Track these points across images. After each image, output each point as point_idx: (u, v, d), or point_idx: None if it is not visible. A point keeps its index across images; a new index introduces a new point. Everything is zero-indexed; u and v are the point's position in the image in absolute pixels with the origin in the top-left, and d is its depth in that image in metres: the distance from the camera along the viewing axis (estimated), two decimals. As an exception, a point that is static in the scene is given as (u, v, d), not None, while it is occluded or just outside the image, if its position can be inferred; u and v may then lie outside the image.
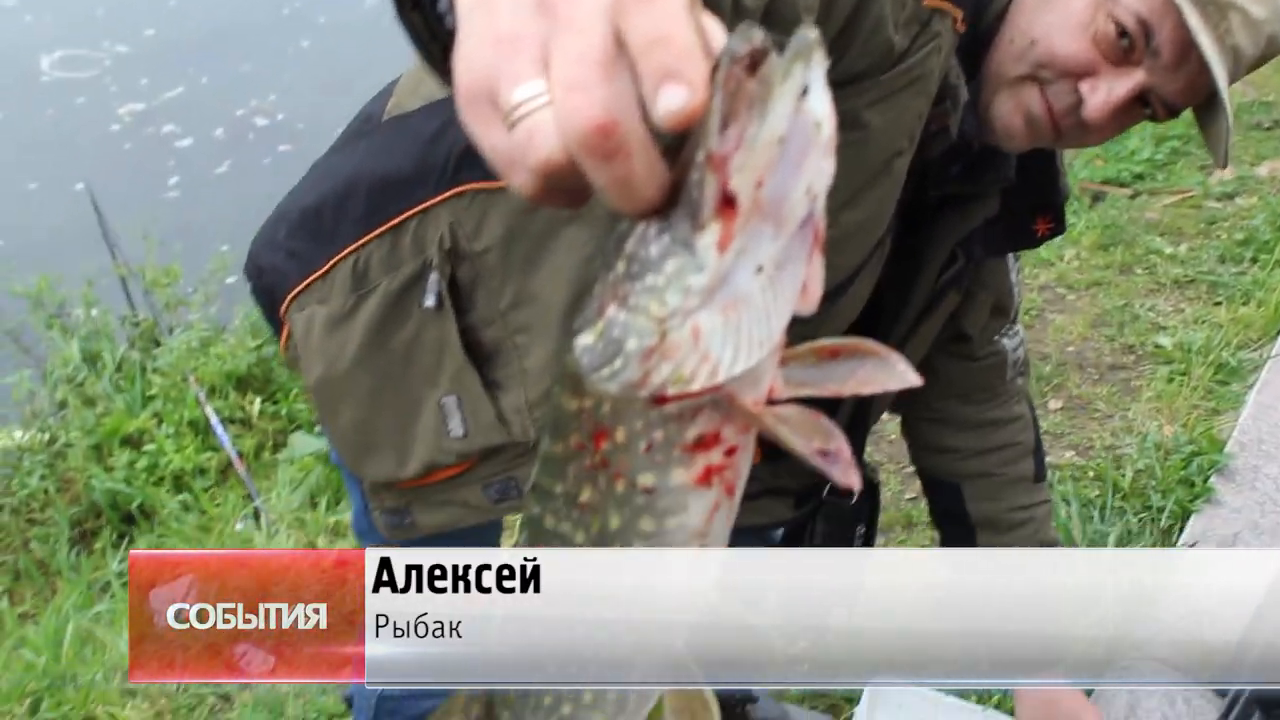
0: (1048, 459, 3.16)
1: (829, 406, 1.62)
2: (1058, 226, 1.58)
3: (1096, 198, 4.81)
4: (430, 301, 1.37)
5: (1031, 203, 1.56)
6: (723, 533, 0.70)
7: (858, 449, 1.76)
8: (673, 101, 0.52)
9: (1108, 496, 2.96)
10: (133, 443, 4.57)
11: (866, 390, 0.67)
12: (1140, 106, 1.32)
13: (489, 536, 1.79)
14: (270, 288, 1.51)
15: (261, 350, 4.96)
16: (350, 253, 1.42)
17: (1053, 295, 4.13)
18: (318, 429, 4.38)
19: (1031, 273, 4.29)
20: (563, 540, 0.72)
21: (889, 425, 3.49)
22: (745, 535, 1.86)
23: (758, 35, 0.56)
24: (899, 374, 0.67)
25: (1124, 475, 3.05)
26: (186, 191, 6.56)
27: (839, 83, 1.14)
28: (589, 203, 1.31)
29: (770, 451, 1.58)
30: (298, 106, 7.15)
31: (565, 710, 0.83)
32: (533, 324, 1.37)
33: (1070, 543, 2.76)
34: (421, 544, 1.62)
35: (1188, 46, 1.23)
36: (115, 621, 3.58)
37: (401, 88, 1.46)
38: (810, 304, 0.62)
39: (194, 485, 4.39)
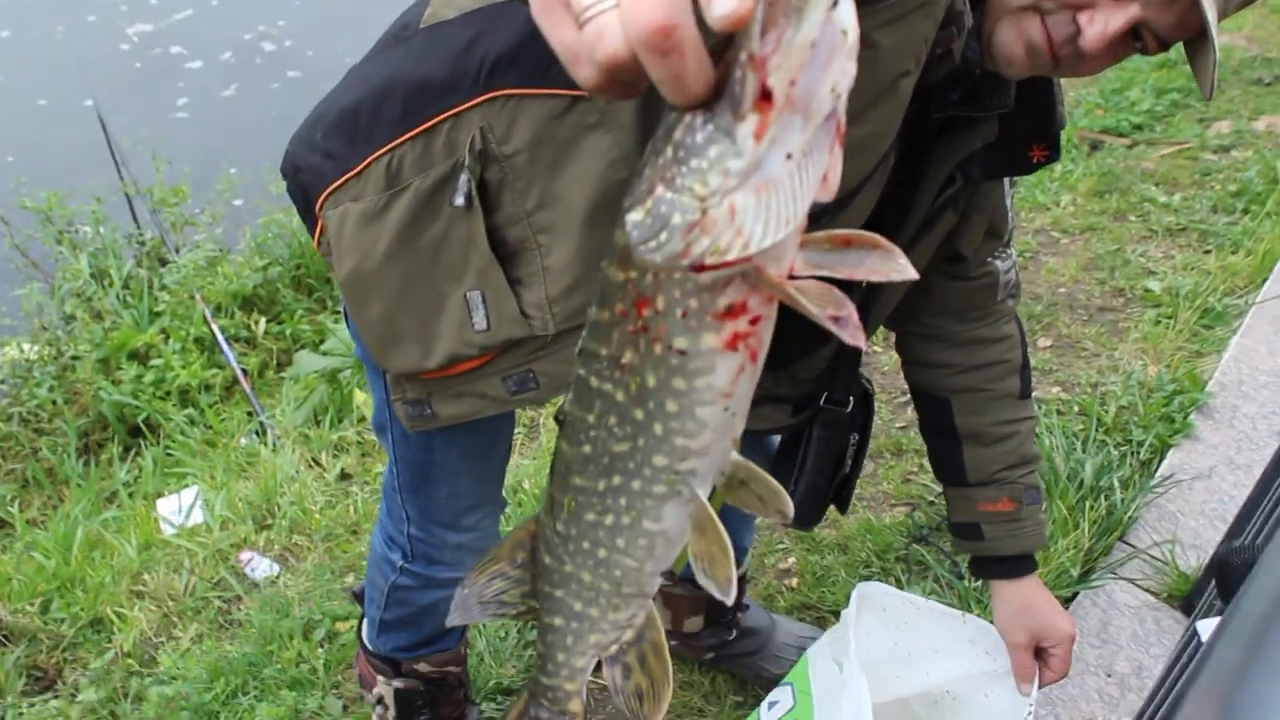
0: (1036, 394, 3.25)
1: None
2: (1052, 154, 1.63)
3: (1095, 146, 4.85)
4: (460, 200, 1.43)
5: (1028, 131, 1.61)
6: (746, 395, 0.78)
7: (853, 361, 1.83)
8: (726, 7, 0.59)
9: (1091, 430, 3.04)
10: (140, 357, 4.64)
11: (873, 278, 0.75)
12: (1133, 40, 1.38)
13: (504, 429, 1.87)
14: (306, 186, 1.57)
15: (267, 271, 5.03)
16: (384, 153, 1.47)
17: (1047, 238, 4.19)
18: (322, 348, 4.46)
19: (1028, 216, 4.34)
20: (605, 399, 0.80)
21: (881, 358, 3.58)
22: (745, 439, 1.95)
23: None
24: (900, 265, 0.75)
25: (1107, 411, 3.12)
26: (195, 113, 6.56)
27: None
28: (613, 110, 1.37)
29: (771, 361, 1.67)
30: (306, 33, 7.13)
31: (600, 554, 0.92)
32: (555, 224, 1.43)
33: (1052, 472, 2.85)
34: (440, 434, 1.70)
35: None
36: (123, 528, 3.67)
37: None
38: (830, 192, 0.69)
39: (200, 400, 4.47)
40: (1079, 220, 4.25)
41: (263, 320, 4.89)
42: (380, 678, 2.22)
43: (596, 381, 0.80)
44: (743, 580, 2.49)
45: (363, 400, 4.06)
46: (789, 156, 0.66)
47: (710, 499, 0.87)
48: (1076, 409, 3.19)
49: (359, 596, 2.29)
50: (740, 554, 2.40)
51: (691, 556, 0.88)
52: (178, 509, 3.68)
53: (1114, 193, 4.40)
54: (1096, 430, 3.03)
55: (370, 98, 1.51)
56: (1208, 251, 3.98)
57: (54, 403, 4.48)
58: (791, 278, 0.73)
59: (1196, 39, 1.35)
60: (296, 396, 4.33)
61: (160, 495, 3.85)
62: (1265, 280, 3.69)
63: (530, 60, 1.38)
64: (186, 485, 3.87)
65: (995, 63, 1.44)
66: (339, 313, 5.00)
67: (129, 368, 4.54)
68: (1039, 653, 1.95)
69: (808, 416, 1.86)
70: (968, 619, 2.07)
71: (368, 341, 1.59)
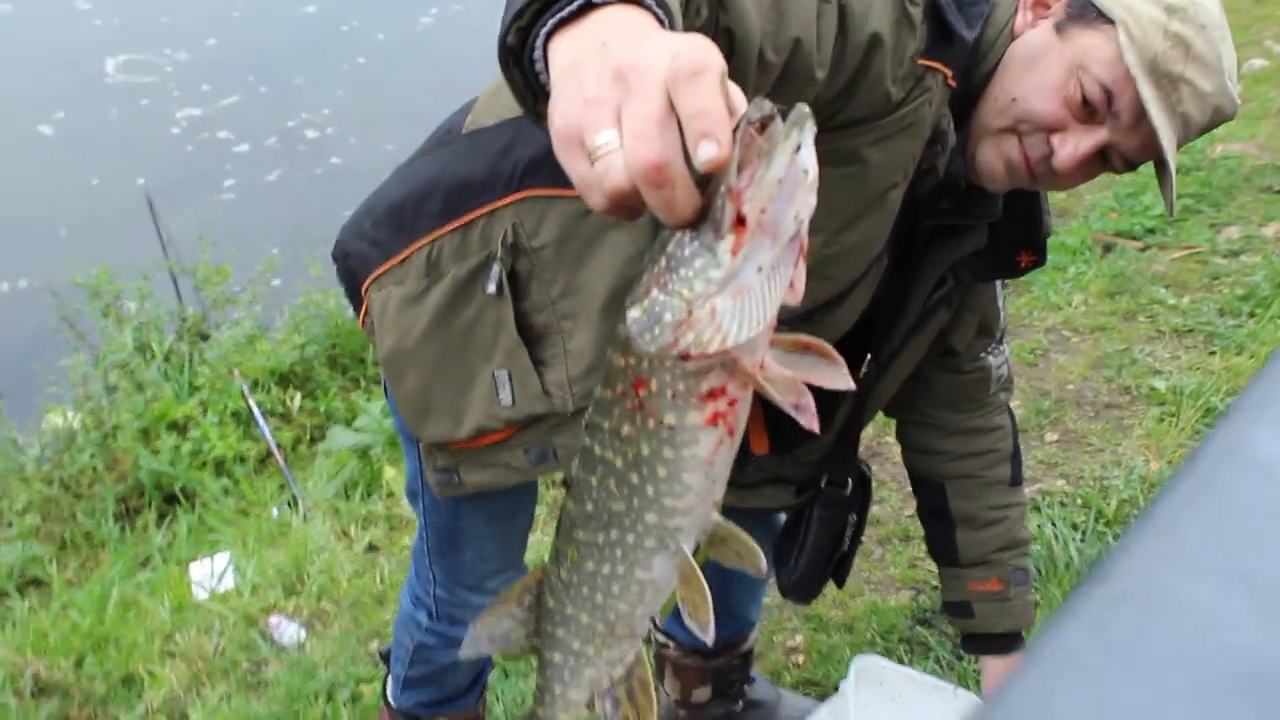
0: (1041, 485, 3.37)
1: (830, 406, 1.85)
2: (1039, 260, 1.79)
3: (1108, 248, 4.98)
4: (491, 288, 1.60)
5: (1016, 238, 1.76)
6: (725, 464, 0.92)
7: (853, 444, 1.97)
8: (708, 154, 0.74)
9: (1091, 522, 3.15)
10: (179, 428, 4.82)
11: (820, 384, 0.90)
12: (1101, 161, 1.54)
13: (526, 497, 2.02)
14: (353, 270, 1.75)
15: (304, 349, 5.21)
16: (426, 243, 1.65)
17: (1058, 337, 4.32)
18: (355, 424, 4.63)
19: (1040, 315, 4.48)
20: (606, 465, 0.94)
21: (895, 448, 3.70)
22: (752, 517, 2.09)
23: (767, 105, 0.78)
24: (842, 377, 0.90)
25: (1109, 504, 3.23)
26: (241, 195, 6.82)
27: (845, 125, 1.38)
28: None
29: (776, 445, 1.82)
30: (350, 120, 7.42)
31: (598, 599, 1.05)
32: (577, 311, 1.59)
33: (1050, 560, 2.96)
34: (467, 501, 1.85)
35: (1143, 112, 1.45)
36: (156, 590, 3.81)
37: (478, 107, 1.70)
38: (797, 298, 0.85)
39: (234, 471, 4.64)
40: (1089, 320, 4.38)
41: (298, 396, 5.07)
42: None
43: (599, 450, 0.94)
44: (749, 654, 2.60)
45: (392, 476, 4.21)
46: (760, 269, 0.80)
47: (695, 554, 1.00)
48: (1080, 501, 3.30)
49: (385, 657, 2.42)
50: (746, 627, 2.52)
51: (680, 602, 1.01)
52: (210, 573, 3.82)
53: (1125, 294, 4.52)
54: (1097, 522, 3.15)
55: (415, 193, 1.69)
56: (1213, 353, 4.08)
57: (94, 469, 4.64)
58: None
59: (1160, 161, 1.51)
60: (328, 470, 4.50)
61: (193, 560, 4.00)
62: (1267, 382, 3.80)
63: (559, 165, 1.56)
64: (219, 551, 4.01)
65: (978, 177, 1.60)
66: (371, 391, 5.18)
67: (168, 438, 4.72)
68: (1025, 727, 2.06)
69: (809, 497, 1.99)
70: (959, 693, 2.18)
71: (404, 412, 1.75)
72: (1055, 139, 1.51)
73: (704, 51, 0.76)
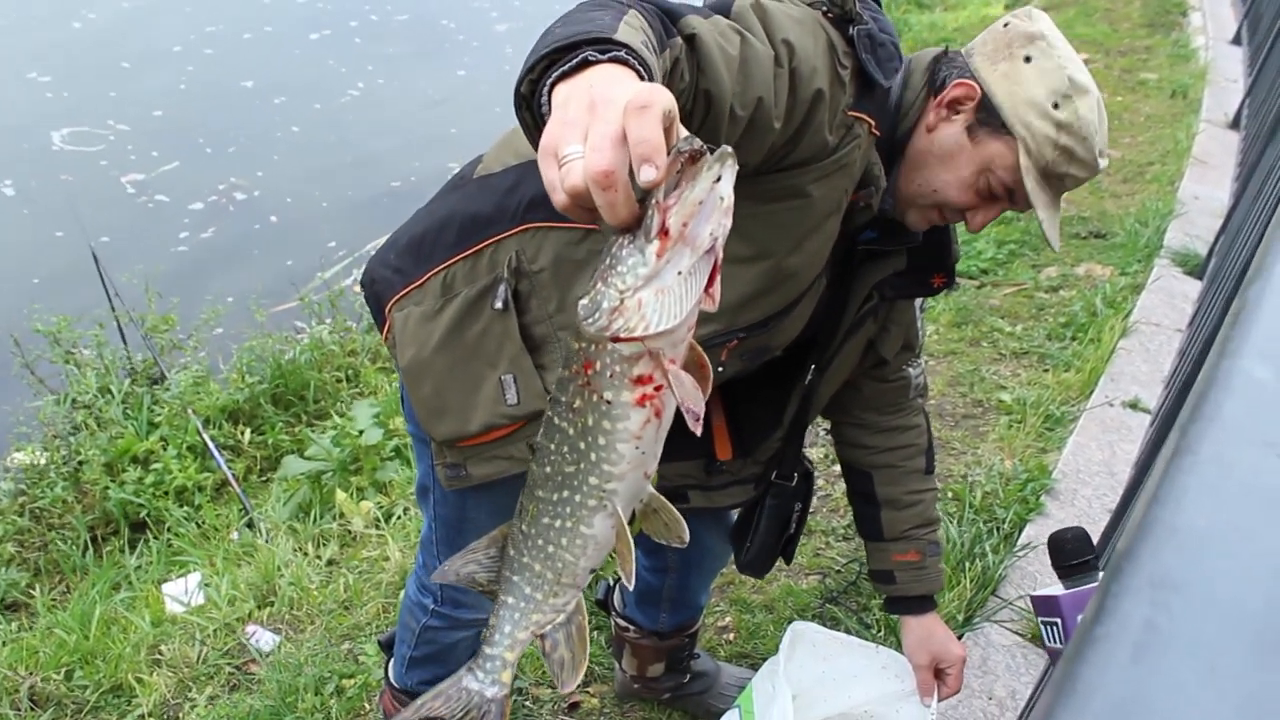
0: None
1: (779, 408, 1.97)
2: (949, 281, 1.94)
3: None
4: (499, 305, 1.68)
5: (930, 262, 1.91)
6: (653, 440, 0.99)
7: (799, 442, 2.08)
8: (647, 175, 0.84)
9: (964, 511, 3.35)
10: (141, 462, 4.73)
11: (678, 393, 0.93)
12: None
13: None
14: (379, 294, 1.83)
15: (252, 388, 5.17)
16: (442, 269, 1.74)
17: (918, 360, 4.56)
18: (307, 454, 4.61)
19: (900, 343, 4.71)
20: (561, 433, 1.01)
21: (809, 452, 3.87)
22: (717, 512, 2.22)
23: (697, 142, 0.86)
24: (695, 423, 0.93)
25: (975, 496, 3.44)
26: (191, 250, 6.70)
27: (793, 165, 1.53)
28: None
29: (740, 449, 1.93)
30: (282, 182, 7.35)
31: (550, 550, 1.12)
32: (570, 323, 1.65)
33: (936, 542, 3.15)
34: (472, 493, 1.91)
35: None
36: (134, 608, 3.75)
37: (487, 158, 1.80)
38: (713, 304, 0.91)
39: (194, 499, 4.57)
40: (942, 346, 4.62)
41: (247, 431, 5.02)
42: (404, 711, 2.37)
43: (558, 420, 1.01)
44: (696, 634, 2.69)
45: (343, 499, 4.21)
46: (679, 273, 0.88)
47: (631, 523, 1.07)
48: (950, 494, 3.50)
49: (386, 645, 2.45)
50: (697, 613, 2.62)
51: (614, 554, 1.09)
52: (183, 591, 3.77)
53: (969, 324, 4.77)
54: (968, 511, 3.35)
55: (433, 228, 1.78)
56: (1046, 370, 4.34)
57: (65, 500, 4.53)
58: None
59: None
60: (282, 495, 4.47)
61: (165, 580, 3.93)
62: (1092, 392, 4.06)
63: None
64: (189, 571, 3.96)
65: (904, 223, 1.78)
66: (314, 424, 5.16)
67: (132, 470, 4.62)
68: (938, 673, 2.18)
69: (762, 490, 2.11)
70: (880, 650, 2.30)
71: (420, 414, 1.81)
72: (968, 213, 1.73)
73: (654, 92, 0.86)
